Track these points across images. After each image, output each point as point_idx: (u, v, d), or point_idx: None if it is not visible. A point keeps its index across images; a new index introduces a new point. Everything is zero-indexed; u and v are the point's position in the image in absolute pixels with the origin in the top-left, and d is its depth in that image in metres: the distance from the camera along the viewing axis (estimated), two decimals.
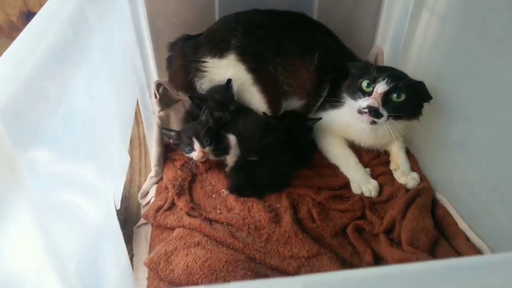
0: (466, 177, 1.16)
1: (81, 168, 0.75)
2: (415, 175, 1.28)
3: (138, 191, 1.34)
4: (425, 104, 1.24)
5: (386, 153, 1.38)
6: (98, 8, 0.83)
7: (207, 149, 1.26)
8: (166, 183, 1.28)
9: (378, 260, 1.08)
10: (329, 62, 1.39)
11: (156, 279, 1.01)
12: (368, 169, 1.32)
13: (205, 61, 1.39)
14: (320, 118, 1.35)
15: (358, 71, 1.26)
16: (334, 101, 1.33)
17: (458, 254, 1.04)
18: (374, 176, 1.31)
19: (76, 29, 0.69)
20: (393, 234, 1.12)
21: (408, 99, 1.17)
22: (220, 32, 1.41)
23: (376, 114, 1.17)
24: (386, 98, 1.17)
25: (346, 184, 1.29)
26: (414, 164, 1.33)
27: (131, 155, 1.50)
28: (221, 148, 1.29)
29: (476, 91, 1.11)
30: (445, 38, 1.25)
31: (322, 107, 1.40)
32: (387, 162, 1.36)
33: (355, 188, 1.27)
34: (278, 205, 1.22)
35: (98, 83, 0.84)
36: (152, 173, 1.34)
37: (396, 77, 1.18)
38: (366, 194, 1.25)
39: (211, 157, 1.31)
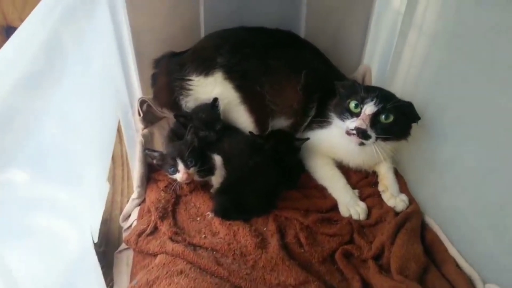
0: (454, 201, 1.15)
1: (54, 196, 0.71)
2: (404, 197, 1.25)
3: (120, 213, 1.29)
4: (414, 125, 1.23)
5: (375, 174, 1.36)
6: (74, 29, 0.79)
7: (191, 170, 1.22)
8: (149, 206, 1.24)
9: (367, 287, 1.05)
10: (316, 81, 1.37)
11: None
12: (356, 191, 1.30)
13: (190, 79, 1.36)
14: (308, 138, 1.32)
15: (346, 91, 1.24)
16: (321, 120, 1.31)
17: (448, 281, 1.02)
18: (362, 198, 1.29)
19: (49, 55, 0.65)
20: (382, 260, 1.09)
21: (397, 120, 1.16)
22: (206, 50, 1.38)
23: (364, 135, 1.15)
24: (374, 119, 1.15)
25: (334, 207, 1.27)
26: (402, 185, 1.31)
27: (114, 174, 1.46)
28: (206, 168, 1.25)
29: (464, 113, 1.10)
30: (434, 58, 1.24)
31: (310, 127, 1.37)
32: (376, 183, 1.33)
33: (343, 211, 1.24)
34: (265, 229, 1.19)
35: (73, 105, 0.80)
36: (135, 194, 1.29)
37: (384, 97, 1.16)
38: (355, 217, 1.22)
39: (196, 178, 1.27)
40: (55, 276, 0.66)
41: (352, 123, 1.16)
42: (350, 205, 1.24)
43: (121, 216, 1.27)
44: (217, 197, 1.25)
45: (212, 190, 1.30)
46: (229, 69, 1.33)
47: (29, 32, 0.65)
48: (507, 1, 0.95)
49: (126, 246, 1.17)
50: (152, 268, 1.05)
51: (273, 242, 1.13)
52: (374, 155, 1.21)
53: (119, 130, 1.33)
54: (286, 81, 1.35)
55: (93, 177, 0.89)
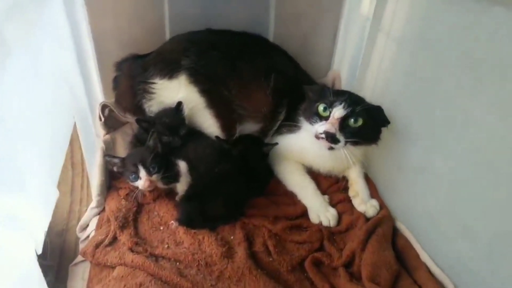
0: (425, 206, 1.13)
1: None
2: (374, 202, 1.23)
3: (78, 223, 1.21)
4: (384, 129, 1.21)
5: (345, 179, 1.33)
6: (20, 25, 0.73)
7: (154, 177, 1.16)
8: (108, 215, 1.17)
9: None
10: (285, 85, 1.34)
11: None
12: (326, 197, 1.26)
13: (153, 82, 1.30)
14: (276, 143, 1.29)
15: (315, 95, 1.21)
16: (291, 125, 1.27)
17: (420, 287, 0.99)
18: (332, 203, 1.25)
19: None
20: (352, 268, 1.05)
21: (366, 124, 1.13)
22: (171, 52, 1.33)
23: (333, 139, 1.12)
24: (343, 123, 1.12)
25: (304, 213, 1.23)
26: (373, 190, 1.29)
27: (73, 183, 1.38)
28: (171, 175, 1.19)
29: (433, 118, 1.08)
30: (402, 63, 1.23)
31: (279, 131, 1.34)
32: (346, 189, 1.30)
33: (313, 217, 1.20)
34: (232, 237, 1.13)
35: (16, 105, 0.73)
36: (94, 203, 1.22)
37: (353, 101, 1.13)
38: (325, 223, 1.18)
39: (160, 185, 1.21)
40: None
41: (321, 127, 1.12)
42: (320, 212, 1.20)
43: (78, 226, 1.19)
44: (182, 205, 1.19)
45: (177, 198, 1.24)
46: (195, 72, 1.29)
47: None
48: (475, 4, 0.95)
49: (83, 258, 1.09)
50: (109, 281, 0.97)
51: (240, 251, 1.07)
52: (344, 159, 1.18)
53: (78, 137, 1.26)
54: (254, 84, 1.31)
55: (38, 183, 0.81)
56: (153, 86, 1.31)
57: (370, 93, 1.34)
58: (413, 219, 1.16)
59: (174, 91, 1.30)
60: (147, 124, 1.27)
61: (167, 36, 1.41)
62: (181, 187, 1.22)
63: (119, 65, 1.37)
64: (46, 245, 0.78)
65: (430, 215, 1.10)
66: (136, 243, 1.08)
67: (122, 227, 1.13)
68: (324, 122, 1.13)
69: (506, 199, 0.88)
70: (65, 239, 1.20)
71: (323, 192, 1.28)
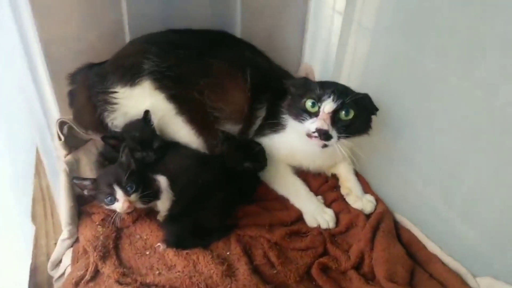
0: (420, 194, 1.09)
1: None
2: (370, 197, 1.18)
3: (48, 259, 1.05)
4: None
5: (334, 177, 1.27)
6: None
7: (133, 197, 1.03)
8: (84, 246, 1.03)
9: None
10: (262, 80, 1.25)
11: None
12: (320, 197, 1.19)
13: (114, 91, 1.18)
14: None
15: (299, 90, 1.14)
16: (274, 124, 1.19)
17: (438, 281, 0.94)
18: (327, 204, 1.19)
19: None
20: (363, 269, 1.00)
21: (357, 115, 1.07)
22: (130, 56, 1.21)
23: (327, 136, 1.04)
24: (334, 117, 1.06)
25: (300, 217, 1.15)
26: (365, 185, 1.24)
27: (34, 213, 1.21)
28: (150, 193, 1.07)
29: (414, 104, 1.07)
30: (378, 51, 1.20)
31: (261, 132, 1.24)
32: (337, 187, 1.25)
33: (310, 221, 1.13)
34: (228, 253, 1.04)
35: None
36: (64, 234, 1.06)
37: (341, 92, 1.07)
38: (324, 226, 1.11)
39: (139, 205, 1.08)
40: None
41: (312, 125, 1.05)
42: (317, 214, 1.13)
43: (50, 263, 1.04)
44: (167, 224, 1.08)
45: (159, 217, 1.12)
46: (159, 76, 1.18)
47: None
48: None
49: None
50: None
51: (242, 267, 0.98)
52: (334, 154, 1.13)
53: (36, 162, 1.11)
54: (228, 82, 1.21)
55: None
56: (114, 96, 1.18)
57: (346, 84, 1.29)
58: (412, 210, 1.12)
59: (139, 100, 1.18)
60: (115, 141, 1.14)
61: (127, 40, 1.28)
62: (162, 204, 1.11)
63: (74, 77, 1.24)
64: None
65: (427, 203, 1.07)
66: (123, 274, 0.96)
67: (103, 257, 0.99)
68: (314, 118, 1.06)
69: (496, 178, 0.87)
70: (36, 279, 1.03)
71: (315, 193, 1.21)
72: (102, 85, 1.19)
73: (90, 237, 1.04)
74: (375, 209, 1.15)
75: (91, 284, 0.94)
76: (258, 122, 1.25)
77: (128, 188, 1.02)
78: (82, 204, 1.14)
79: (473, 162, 0.93)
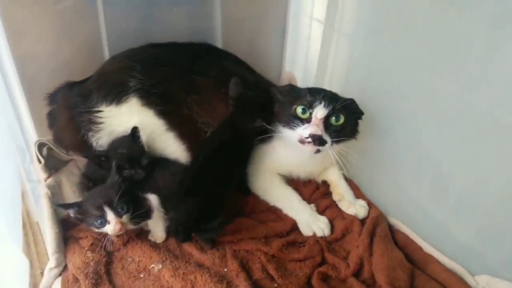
0: (412, 196, 1.11)
1: None
2: (362, 202, 1.18)
3: None
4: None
5: (325, 184, 1.27)
6: None
7: (124, 217, 0.99)
8: (74, 274, 0.98)
9: None
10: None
11: None
12: (312, 205, 1.19)
13: (99, 111, 1.14)
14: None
15: (287, 97, 1.13)
16: (262, 133, 1.17)
17: (437, 281, 0.95)
18: (320, 211, 1.18)
19: None
20: (362, 275, 0.99)
21: (347, 119, 1.08)
22: (114, 73, 1.17)
23: (321, 142, 1.04)
24: (326, 122, 1.06)
25: (294, 227, 1.14)
26: (355, 190, 1.24)
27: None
28: (141, 213, 1.03)
29: (397, 104, 1.09)
30: (359, 56, 1.22)
31: None
32: (329, 194, 1.24)
33: (305, 230, 1.12)
34: (226, 270, 1.01)
35: None
36: (52, 263, 1.00)
37: (331, 98, 1.07)
38: (319, 234, 1.11)
39: (130, 226, 1.04)
40: None
41: (305, 131, 1.04)
42: (311, 222, 1.12)
43: None
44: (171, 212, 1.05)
45: (150, 237, 1.09)
46: (146, 93, 1.14)
47: None
48: None
49: None
50: None
51: (241, 284, 0.96)
52: (324, 159, 1.14)
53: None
54: (216, 96, 1.19)
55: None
56: (99, 115, 1.14)
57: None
58: (404, 212, 1.13)
59: (125, 118, 1.14)
60: (103, 159, 1.09)
61: (106, 56, 1.24)
62: (155, 223, 1.08)
63: (53, 97, 1.18)
64: None
65: (419, 205, 1.09)
66: None
67: (96, 284, 0.95)
68: (306, 124, 1.05)
69: (486, 176, 0.89)
70: None
71: (307, 201, 1.20)
72: (86, 104, 1.14)
73: (79, 264, 0.99)
74: (368, 214, 1.15)
75: None
76: None
77: (119, 209, 0.98)
78: (68, 229, 1.09)
79: (462, 161, 0.94)
